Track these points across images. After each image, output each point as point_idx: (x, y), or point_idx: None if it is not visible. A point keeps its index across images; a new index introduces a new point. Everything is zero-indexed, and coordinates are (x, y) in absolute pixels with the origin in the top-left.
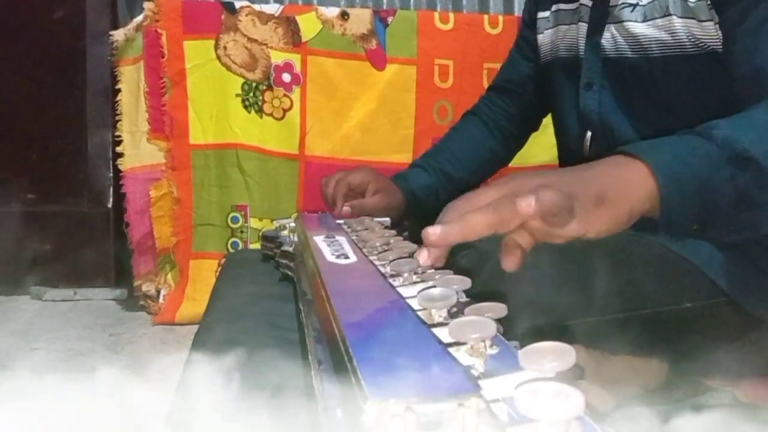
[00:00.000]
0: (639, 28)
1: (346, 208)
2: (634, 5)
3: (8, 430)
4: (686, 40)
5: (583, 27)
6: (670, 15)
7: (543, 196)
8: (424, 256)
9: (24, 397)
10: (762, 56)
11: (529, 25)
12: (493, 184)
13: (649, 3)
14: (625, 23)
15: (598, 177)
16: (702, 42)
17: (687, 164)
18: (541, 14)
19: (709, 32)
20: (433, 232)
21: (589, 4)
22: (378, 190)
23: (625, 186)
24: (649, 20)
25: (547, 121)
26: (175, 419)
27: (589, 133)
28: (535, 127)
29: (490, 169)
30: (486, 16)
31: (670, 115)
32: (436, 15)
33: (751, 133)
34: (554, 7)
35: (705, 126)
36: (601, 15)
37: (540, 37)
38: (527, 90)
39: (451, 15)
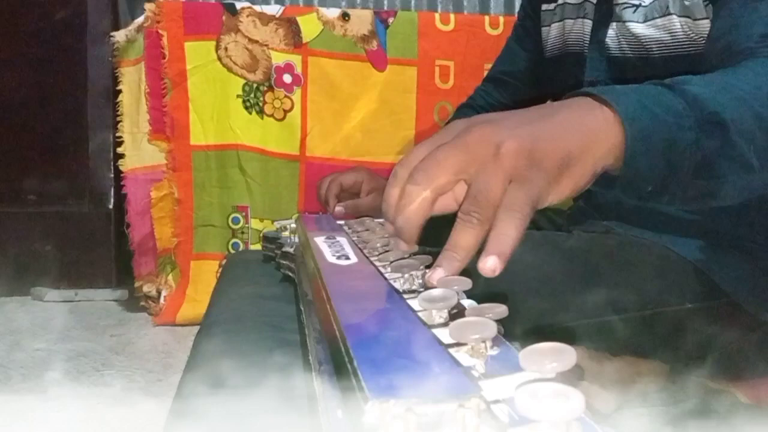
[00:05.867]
0: (640, 29)
1: (338, 209)
2: (637, 6)
3: (10, 430)
4: (684, 38)
5: (588, 24)
6: (670, 14)
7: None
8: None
9: (26, 398)
10: (736, 32)
11: (530, 16)
12: (446, 135)
13: (650, 3)
14: (627, 23)
15: (563, 131)
16: (698, 39)
17: (656, 118)
18: (545, 6)
19: (704, 31)
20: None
21: (594, 0)
22: (372, 190)
23: (591, 140)
24: (649, 20)
25: None
26: (176, 420)
27: None
28: None
29: None
30: (487, 17)
31: None
32: (437, 16)
33: (722, 96)
34: (560, 0)
35: (677, 80)
36: (605, 13)
37: (545, 29)
38: (525, 81)
39: (452, 16)
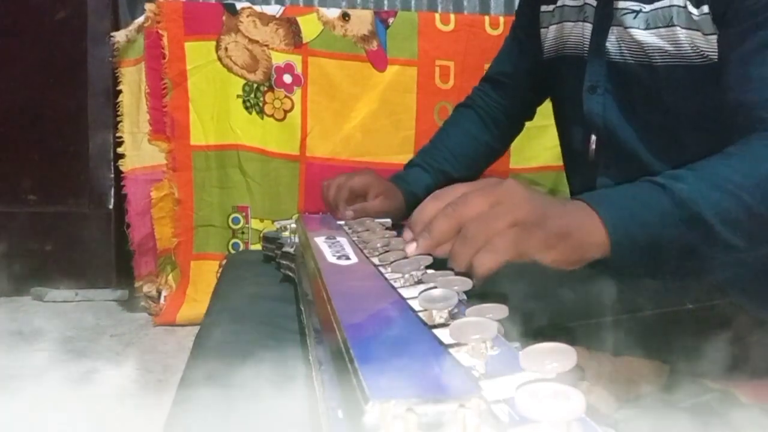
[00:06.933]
0: (642, 36)
1: (348, 212)
2: (637, 12)
3: (10, 430)
4: (690, 50)
5: (588, 27)
6: (674, 26)
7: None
8: (412, 248)
9: (26, 398)
10: (748, 89)
11: (528, 16)
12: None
13: (651, 11)
14: (628, 29)
15: (568, 215)
16: (707, 54)
17: (640, 222)
18: (544, 8)
19: (714, 45)
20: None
21: (594, 3)
22: (380, 194)
23: (583, 233)
24: (652, 28)
25: (549, 122)
26: (176, 421)
27: (594, 137)
28: (530, 116)
29: (486, 163)
30: (487, 17)
31: (673, 121)
32: (437, 16)
33: (711, 193)
34: (559, 2)
35: (669, 177)
36: (605, 17)
37: (544, 31)
38: (523, 83)
39: (452, 16)
